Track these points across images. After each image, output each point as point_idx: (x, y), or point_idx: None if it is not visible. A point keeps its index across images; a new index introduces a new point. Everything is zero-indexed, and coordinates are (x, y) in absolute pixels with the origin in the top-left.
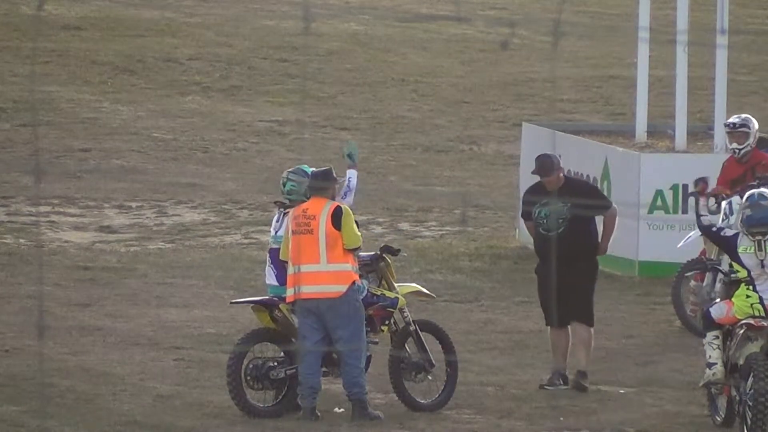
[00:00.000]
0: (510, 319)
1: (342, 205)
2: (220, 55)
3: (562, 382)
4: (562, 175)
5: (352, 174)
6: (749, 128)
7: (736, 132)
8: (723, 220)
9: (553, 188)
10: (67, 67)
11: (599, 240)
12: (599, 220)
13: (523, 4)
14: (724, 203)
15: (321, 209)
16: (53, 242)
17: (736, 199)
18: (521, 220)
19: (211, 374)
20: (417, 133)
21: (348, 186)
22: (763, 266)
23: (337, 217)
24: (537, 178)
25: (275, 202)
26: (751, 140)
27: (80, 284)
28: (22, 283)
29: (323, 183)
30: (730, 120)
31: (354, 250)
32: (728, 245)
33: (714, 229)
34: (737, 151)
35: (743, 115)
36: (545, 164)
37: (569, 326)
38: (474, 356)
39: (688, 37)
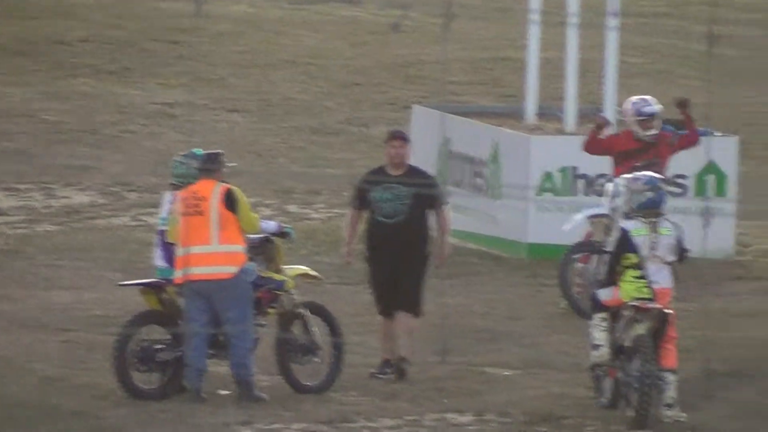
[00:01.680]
0: None
1: (233, 187)
2: (111, 37)
3: (391, 372)
4: (408, 162)
5: (270, 225)
6: (660, 110)
7: (655, 118)
8: (608, 202)
9: (398, 164)
10: None
11: (431, 234)
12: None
13: None
14: (610, 185)
15: (211, 191)
16: None
17: (621, 180)
18: None
19: (98, 356)
20: (306, 115)
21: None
22: (653, 248)
23: (230, 198)
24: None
25: (170, 184)
26: (660, 123)
27: None
28: None
29: (213, 165)
30: (649, 110)
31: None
32: (621, 236)
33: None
34: (655, 135)
35: (650, 99)
36: (402, 132)
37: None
38: (360, 338)
39: (579, 19)
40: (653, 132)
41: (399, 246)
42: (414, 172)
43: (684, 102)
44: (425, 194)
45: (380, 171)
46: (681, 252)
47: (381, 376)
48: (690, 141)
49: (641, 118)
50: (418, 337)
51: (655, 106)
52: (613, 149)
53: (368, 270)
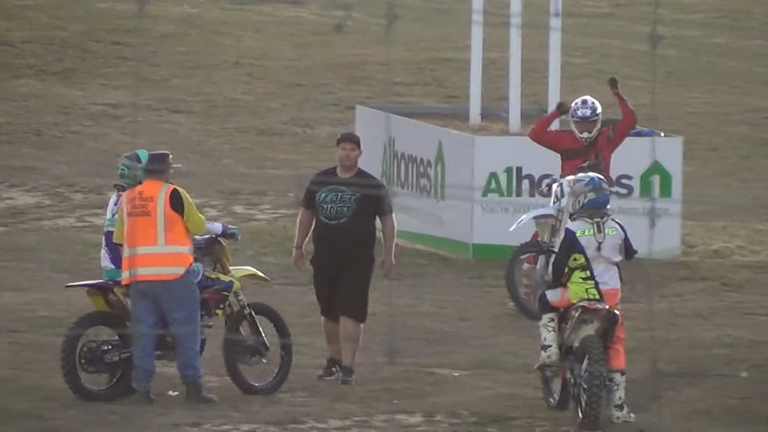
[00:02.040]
0: None
1: (179, 189)
2: (54, 38)
3: (337, 371)
4: (357, 166)
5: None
6: (599, 115)
7: (588, 121)
8: (554, 203)
9: (348, 166)
10: None
11: (374, 241)
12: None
13: None
14: (555, 186)
15: (158, 191)
16: None
17: (565, 182)
18: None
19: (45, 357)
20: (251, 116)
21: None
22: (599, 249)
23: (176, 199)
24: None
25: (114, 185)
26: (599, 125)
27: None
28: None
29: (159, 166)
30: (581, 113)
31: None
32: (567, 237)
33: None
34: (588, 140)
35: (590, 101)
36: (353, 135)
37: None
38: (308, 339)
39: (522, 20)
40: (587, 135)
41: (342, 248)
42: (362, 175)
43: (613, 81)
44: (371, 199)
45: (330, 172)
46: (628, 251)
47: (328, 377)
48: (626, 125)
49: (576, 119)
50: (366, 339)
51: (591, 110)
52: (559, 145)
53: (313, 271)
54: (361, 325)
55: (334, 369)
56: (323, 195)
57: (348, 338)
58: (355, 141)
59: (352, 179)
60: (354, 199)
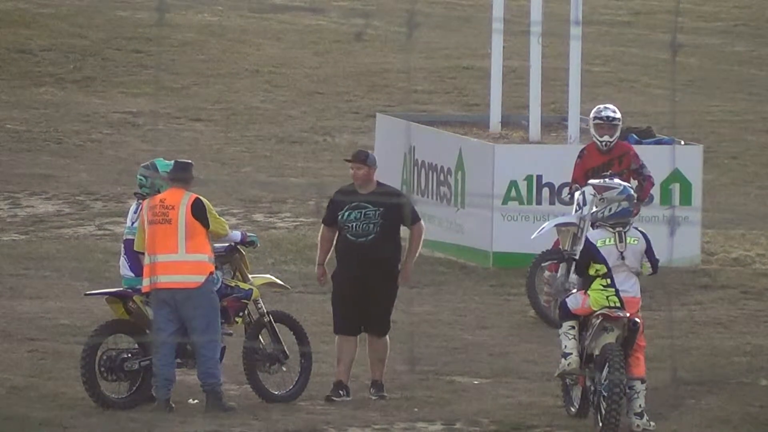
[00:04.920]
0: None
1: (201, 198)
2: (74, 46)
3: (345, 394)
4: (375, 179)
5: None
6: (620, 120)
7: (609, 124)
8: (576, 211)
9: (361, 184)
10: None
11: (400, 255)
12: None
13: None
14: (577, 194)
15: (180, 200)
16: None
17: (588, 189)
18: None
19: (65, 365)
20: (271, 124)
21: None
22: (622, 258)
23: (198, 208)
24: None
25: (135, 194)
26: (619, 132)
27: None
28: None
29: (183, 174)
30: (605, 113)
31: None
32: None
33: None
34: (607, 143)
35: (611, 107)
36: (360, 153)
37: (358, 337)
38: (328, 347)
39: (542, 28)
40: (607, 139)
41: (368, 266)
42: (384, 189)
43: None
44: (396, 211)
45: (350, 189)
46: (652, 261)
47: (336, 399)
48: (643, 196)
49: (597, 121)
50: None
51: (612, 112)
52: (587, 167)
53: (333, 287)
54: (387, 338)
55: (341, 392)
56: (347, 214)
57: (378, 356)
58: (361, 159)
59: (373, 195)
60: (379, 214)
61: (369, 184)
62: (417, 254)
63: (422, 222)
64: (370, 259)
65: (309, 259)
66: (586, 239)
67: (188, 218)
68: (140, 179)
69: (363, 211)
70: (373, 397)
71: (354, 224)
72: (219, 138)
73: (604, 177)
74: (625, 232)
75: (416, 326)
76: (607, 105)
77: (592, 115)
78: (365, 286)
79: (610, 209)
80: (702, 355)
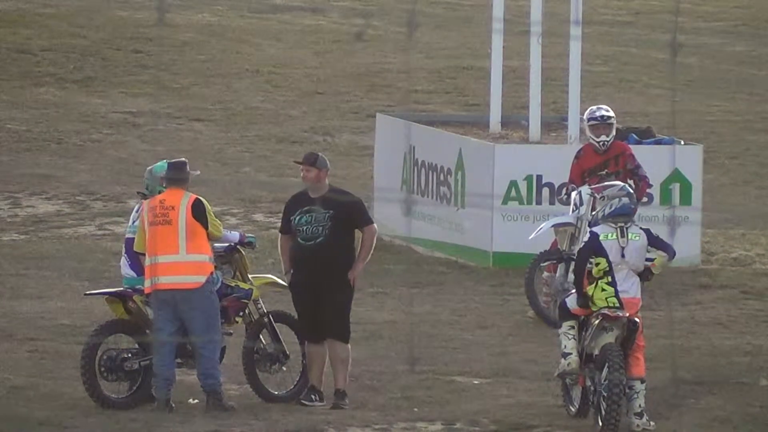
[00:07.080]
0: (364, 309)
1: (201, 198)
2: (74, 46)
3: (317, 399)
4: (327, 182)
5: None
6: (614, 119)
7: (605, 124)
8: (573, 211)
9: (312, 187)
10: None
11: (353, 257)
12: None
13: None
14: (573, 194)
15: (180, 200)
16: None
17: (585, 189)
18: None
19: (65, 365)
20: (271, 124)
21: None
22: (623, 255)
23: (198, 209)
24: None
25: (138, 192)
26: (614, 131)
27: None
28: None
29: (180, 174)
30: (600, 113)
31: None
32: (590, 239)
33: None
34: (605, 143)
35: (604, 106)
36: (310, 156)
37: (326, 342)
38: None
39: (542, 28)
40: (604, 138)
41: (320, 268)
42: (335, 193)
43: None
44: (346, 214)
45: (302, 194)
46: (664, 247)
47: (307, 403)
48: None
49: (593, 122)
50: (386, 347)
51: (607, 112)
52: (583, 168)
53: (291, 294)
54: (348, 345)
55: (313, 396)
56: (298, 218)
57: (339, 360)
58: (310, 162)
59: (323, 198)
60: (328, 217)
61: (320, 188)
62: (369, 256)
63: (375, 225)
64: (320, 263)
65: None
66: (591, 231)
67: (188, 219)
68: (146, 181)
69: (313, 214)
70: (329, 407)
71: (304, 228)
72: (219, 138)
73: (600, 176)
74: (626, 228)
75: (416, 326)
76: (600, 105)
77: (585, 116)
78: (318, 290)
79: (611, 206)
80: (702, 355)
